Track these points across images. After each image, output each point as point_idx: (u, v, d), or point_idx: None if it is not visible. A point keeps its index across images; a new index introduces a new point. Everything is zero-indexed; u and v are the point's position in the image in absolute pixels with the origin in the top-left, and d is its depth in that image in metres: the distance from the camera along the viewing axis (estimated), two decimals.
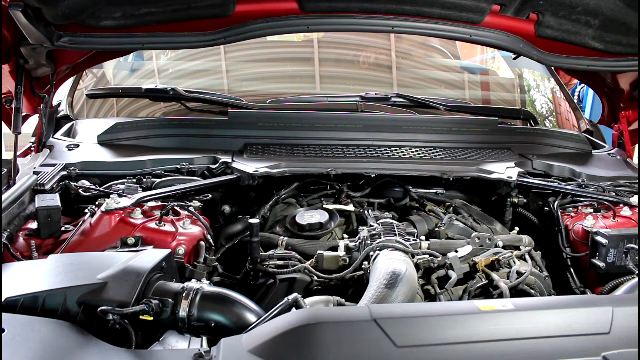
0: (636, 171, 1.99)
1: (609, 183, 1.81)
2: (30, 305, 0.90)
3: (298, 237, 1.53)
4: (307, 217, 1.57)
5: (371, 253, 1.32)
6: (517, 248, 1.52)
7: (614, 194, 1.72)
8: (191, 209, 1.43)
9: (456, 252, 1.37)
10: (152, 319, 0.91)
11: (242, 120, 2.00)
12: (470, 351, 0.72)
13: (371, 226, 1.47)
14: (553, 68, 2.54)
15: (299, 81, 2.61)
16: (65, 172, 1.61)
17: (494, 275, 1.33)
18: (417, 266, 1.29)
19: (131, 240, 1.26)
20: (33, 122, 1.93)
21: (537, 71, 2.80)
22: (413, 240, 1.40)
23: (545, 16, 1.67)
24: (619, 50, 1.79)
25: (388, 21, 1.66)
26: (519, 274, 1.35)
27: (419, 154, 1.94)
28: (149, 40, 1.65)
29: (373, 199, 1.76)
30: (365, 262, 1.31)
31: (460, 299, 1.31)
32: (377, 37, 2.66)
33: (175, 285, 0.99)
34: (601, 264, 1.44)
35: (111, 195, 1.39)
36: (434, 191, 1.83)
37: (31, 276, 0.99)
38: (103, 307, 0.88)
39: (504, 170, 1.77)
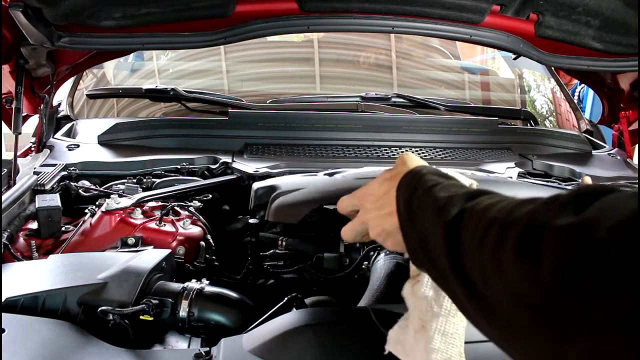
0: (636, 171, 1.99)
1: (609, 183, 1.82)
2: (31, 305, 0.90)
3: (298, 237, 1.52)
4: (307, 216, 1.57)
5: (371, 253, 1.31)
6: None
7: None
8: (191, 209, 1.43)
9: None
10: (152, 318, 0.91)
11: (242, 120, 2.00)
12: (470, 351, 0.72)
13: None
14: (553, 68, 2.55)
15: (299, 81, 2.61)
16: (65, 172, 1.61)
17: None
18: None
19: (131, 240, 1.26)
20: (33, 122, 1.93)
21: (537, 71, 2.80)
22: None
23: (545, 16, 1.67)
24: (619, 50, 1.79)
25: (388, 21, 1.66)
26: None
27: (419, 154, 1.94)
28: (149, 40, 1.65)
29: None
30: (365, 262, 1.31)
31: None
32: (377, 37, 2.66)
33: (175, 285, 0.99)
34: None
35: (111, 195, 1.39)
36: None
37: (31, 276, 0.99)
38: (103, 307, 0.88)
39: (504, 170, 1.77)
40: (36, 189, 1.45)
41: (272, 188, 1.31)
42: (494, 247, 0.46)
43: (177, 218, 1.40)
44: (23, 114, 1.65)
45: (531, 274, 0.41)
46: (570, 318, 0.38)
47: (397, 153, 1.94)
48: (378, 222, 0.71)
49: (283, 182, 1.32)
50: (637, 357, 0.34)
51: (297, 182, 1.28)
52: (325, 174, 1.44)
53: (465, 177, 0.69)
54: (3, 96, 1.63)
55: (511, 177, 1.28)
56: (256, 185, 1.37)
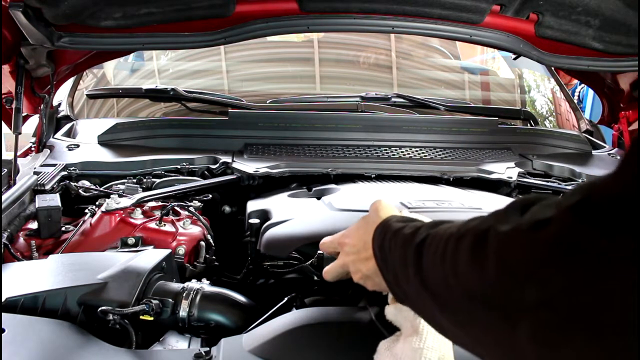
0: None
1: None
2: (30, 305, 0.90)
3: None
4: None
5: None
6: None
7: None
8: (191, 209, 1.43)
9: None
10: (152, 318, 0.91)
11: (242, 120, 2.00)
12: (463, 351, 0.72)
13: None
14: (553, 68, 2.55)
15: (299, 81, 2.61)
16: (65, 172, 1.61)
17: None
18: None
19: (131, 240, 1.26)
20: (33, 122, 1.93)
21: (537, 71, 2.80)
22: None
23: (545, 16, 1.67)
24: (619, 50, 1.79)
25: (388, 21, 1.66)
26: None
27: (419, 154, 1.94)
28: (149, 40, 1.65)
29: None
30: None
31: None
32: (377, 37, 2.66)
33: (175, 285, 0.99)
34: None
35: (111, 195, 1.39)
36: None
37: (31, 276, 0.99)
38: (103, 307, 0.88)
39: (504, 170, 1.77)
40: (36, 189, 1.45)
41: (265, 214, 1.35)
42: (452, 256, 0.53)
43: (177, 218, 1.40)
44: (23, 114, 1.65)
45: (480, 270, 0.48)
46: (512, 306, 0.44)
47: (397, 153, 1.94)
48: (357, 267, 0.80)
49: (274, 207, 1.35)
50: (567, 335, 0.39)
51: (287, 211, 1.31)
52: (315, 190, 1.51)
53: (428, 219, 0.76)
54: (3, 96, 1.63)
55: (481, 209, 1.33)
56: (250, 208, 1.40)
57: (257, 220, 1.37)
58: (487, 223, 0.50)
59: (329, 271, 0.88)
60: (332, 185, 1.59)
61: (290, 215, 1.26)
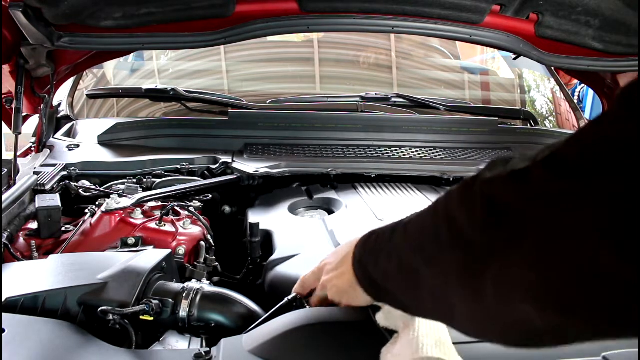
0: None
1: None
2: (30, 305, 0.90)
3: None
4: (307, 216, 1.57)
5: None
6: None
7: None
8: (191, 209, 1.43)
9: None
10: (152, 319, 0.91)
11: (242, 120, 2.00)
12: (470, 351, 0.72)
13: None
14: (553, 68, 2.55)
15: (299, 81, 2.61)
16: (65, 172, 1.61)
17: None
18: None
19: (131, 240, 1.26)
20: (33, 122, 1.93)
21: (537, 71, 2.80)
22: None
23: (545, 16, 1.67)
24: (619, 50, 1.79)
25: (388, 21, 1.66)
26: None
27: (418, 154, 1.94)
28: (149, 40, 1.65)
29: None
30: None
31: None
32: (377, 37, 2.66)
33: (175, 285, 0.99)
34: None
35: (111, 195, 1.39)
36: None
37: (31, 276, 0.99)
38: (103, 307, 0.88)
39: None
40: (36, 189, 1.45)
41: (267, 236, 1.32)
42: (444, 208, 0.56)
43: (177, 218, 1.40)
44: (23, 114, 1.65)
45: (469, 210, 0.51)
46: (487, 248, 0.48)
47: (397, 153, 1.94)
48: (334, 283, 0.81)
49: (276, 230, 1.33)
50: (529, 280, 0.44)
51: (290, 239, 1.28)
52: (316, 199, 1.52)
53: None
54: (3, 96, 1.63)
55: None
56: (251, 220, 1.36)
57: (257, 220, 1.36)
58: (473, 176, 0.54)
59: (314, 301, 0.91)
60: (334, 196, 1.58)
61: (293, 245, 1.23)
